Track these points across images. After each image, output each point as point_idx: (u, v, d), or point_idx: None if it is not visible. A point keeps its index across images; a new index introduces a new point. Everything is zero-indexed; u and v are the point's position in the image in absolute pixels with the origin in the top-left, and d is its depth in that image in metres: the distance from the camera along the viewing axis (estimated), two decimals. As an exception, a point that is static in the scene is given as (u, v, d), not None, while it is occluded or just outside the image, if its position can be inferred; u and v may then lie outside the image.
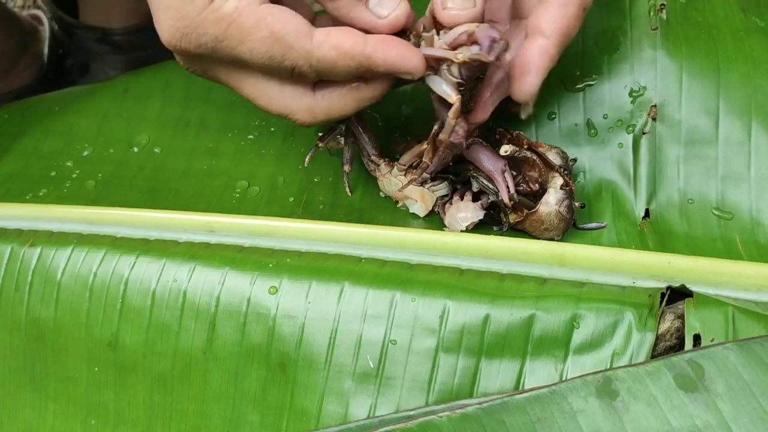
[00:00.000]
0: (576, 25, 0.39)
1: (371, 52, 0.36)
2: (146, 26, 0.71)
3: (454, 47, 0.37)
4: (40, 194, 0.48)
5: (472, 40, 0.37)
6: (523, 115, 0.41)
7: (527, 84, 0.37)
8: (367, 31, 0.37)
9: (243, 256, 0.42)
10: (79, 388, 0.43)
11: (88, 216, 0.45)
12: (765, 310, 0.36)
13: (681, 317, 0.35)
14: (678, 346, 0.35)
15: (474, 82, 0.39)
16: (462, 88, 0.38)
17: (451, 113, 0.38)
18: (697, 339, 0.34)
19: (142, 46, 0.72)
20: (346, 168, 0.46)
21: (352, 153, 0.46)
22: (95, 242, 0.43)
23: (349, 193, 0.46)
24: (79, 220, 0.45)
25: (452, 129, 0.38)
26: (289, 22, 0.36)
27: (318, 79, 0.38)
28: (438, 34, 0.38)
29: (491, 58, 0.36)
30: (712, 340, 0.33)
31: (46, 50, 0.79)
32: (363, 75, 0.37)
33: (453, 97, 0.37)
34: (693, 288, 0.38)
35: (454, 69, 0.37)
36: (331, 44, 0.36)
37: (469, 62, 0.37)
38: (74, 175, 0.49)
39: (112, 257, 0.43)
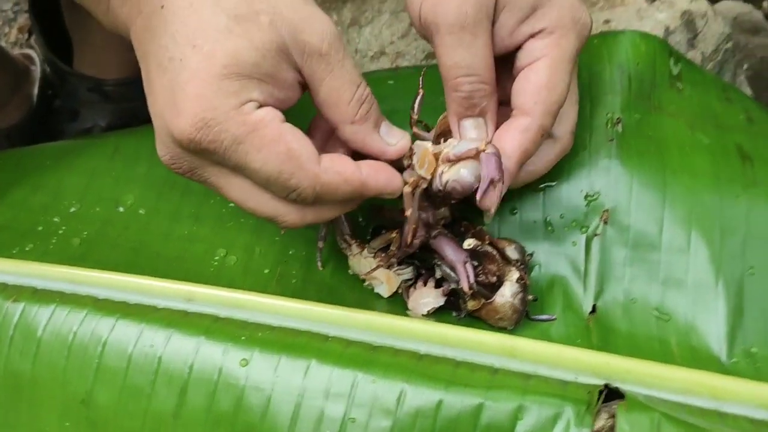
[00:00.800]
0: (534, 148, 0.43)
1: (365, 178, 0.40)
2: (137, 80, 0.74)
3: (458, 159, 0.42)
4: (27, 249, 0.50)
5: (477, 157, 0.41)
6: (486, 221, 0.45)
7: (489, 197, 0.41)
8: (373, 156, 0.42)
9: (218, 326, 0.44)
10: (48, 442, 0.45)
11: (72, 276, 0.47)
12: (690, 413, 0.40)
13: (614, 416, 0.39)
14: (609, 444, 0.39)
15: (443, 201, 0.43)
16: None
17: (407, 228, 0.42)
18: (626, 441, 0.38)
19: (131, 98, 0.74)
20: (320, 244, 0.49)
21: (327, 231, 0.49)
22: (77, 302, 0.46)
23: (320, 267, 0.49)
24: (63, 279, 0.47)
25: (409, 237, 0.43)
26: (304, 144, 0.39)
27: (314, 202, 0.40)
28: (441, 141, 0.44)
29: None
30: (640, 445, 0.37)
31: (36, 90, 0.81)
32: (352, 197, 0.41)
33: (408, 212, 0.42)
34: (628, 387, 0.41)
35: (436, 184, 0.42)
36: (336, 170, 0.40)
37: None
38: (60, 231, 0.52)
39: (93, 318, 0.45)
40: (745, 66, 0.79)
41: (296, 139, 0.39)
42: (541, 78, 0.42)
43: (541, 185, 0.50)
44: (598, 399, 0.40)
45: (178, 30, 0.38)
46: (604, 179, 0.49)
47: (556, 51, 0.42)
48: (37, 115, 0.80)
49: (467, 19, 0.41)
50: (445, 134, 0.45)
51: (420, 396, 0.41)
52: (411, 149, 0.43)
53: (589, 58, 0.53)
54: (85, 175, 0.55)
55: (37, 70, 0.83)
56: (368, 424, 0.41)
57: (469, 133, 0.43)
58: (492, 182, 0.41)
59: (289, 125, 0.39)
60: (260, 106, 0.39)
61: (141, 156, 0.56)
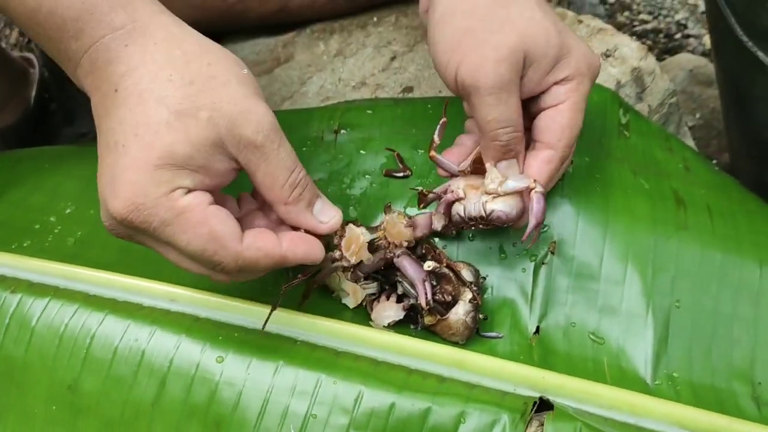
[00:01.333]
0: (557, 176, 0.50)
1: (285, 251, 0.44)
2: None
3: (506, 193, 0.49)
4: (24, 245, 0.54)
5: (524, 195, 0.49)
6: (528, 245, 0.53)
7: (531, 235, 0.48)
8: (308, 232, 0.46)
9: (198, 326, 0.49)
10: (36, 423, 0.49)
11: (66, 273, 0.52)
12: (613, 426, 0.46)
13: (543, 425, 0.44)
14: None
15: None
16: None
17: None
18: (551, 445, 0.43)
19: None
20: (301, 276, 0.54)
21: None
22: (70, 297, 0.50)
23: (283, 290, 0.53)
24: (57, 275, 0.52)
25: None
26: (228, 225, 0.43)
27: (238, 273, 0.44)
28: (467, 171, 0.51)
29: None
30: (562, 449, 0.42)
31: (33, 93, 0.85)
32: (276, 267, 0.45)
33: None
34: (560, 400, 0.47)
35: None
36: (257, 246, 0.43)
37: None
38: (56, 230, 0.56)
39: (84, 312, 0.50)
40: (698, 115, 0.85)
41: (220, 221, 0.42)
42: (564, 119, 0.49)
43: (498, 216, 0.55)
44: (532, 409, 0.45)
45: (125, 117, 0.42)
46: (554, 214, 0.55)
47: (575, 95, 0.49)
48: (33, 117, 0.84)
49: (503, 81, 0.46)
50: (475, 170, 0.51)
51: (375, 398, 0.46)
52: (342, 228, 0.49)
53: (549, 104, 0.58)
54: (81, 180, 0.60)
55: (35, 73, 0.87)
56: (328, 420, 0.46)
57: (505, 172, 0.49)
58: (538, 224, 0.47)
59: (215, 207, 0.43)
60: (190, 191, 0.42)
61: (134, 165, 0.61)
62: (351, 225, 0.50)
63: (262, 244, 0.44)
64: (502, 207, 0.48)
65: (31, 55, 0.90)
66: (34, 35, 0.45)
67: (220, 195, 0.46)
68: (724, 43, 0.60)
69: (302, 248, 0.45)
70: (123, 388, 0.48)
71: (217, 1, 0.73)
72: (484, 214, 0.49)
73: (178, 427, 0.47)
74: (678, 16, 0.96)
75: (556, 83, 0.49)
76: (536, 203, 0.48)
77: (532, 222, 0.48)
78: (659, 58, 0.94)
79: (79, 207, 0.58)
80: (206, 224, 0.42)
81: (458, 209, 0.50)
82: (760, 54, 0.53)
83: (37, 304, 0.50)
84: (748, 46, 0.54)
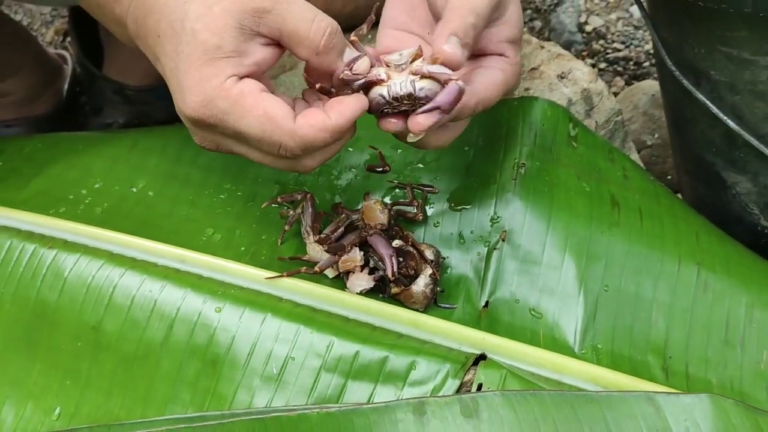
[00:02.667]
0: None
1: (335, 120, 0.48)
2: (154, 87, 0.89)
3: (430, 76, 0.49)
4: (60, 211, 0.65)
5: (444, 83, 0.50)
6: (410, 140, 0.52)
7: (426, 117, 0.50)
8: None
9: (201, 282, 0.59)
10: (62, 356, 0.59)
11: (94, 234, 0.62)
12: (538, 379, 0.55)
13: (476, 372, 0.54)
14: (470, 391, 0.54)
15: None
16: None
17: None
18: (480, 387, 0.53)
19: (147, 102, 0.90)
20: (286, 227, 0.64)
21: (293, 220, 0.64)
22: (97, 254, 0.61)
23: (280, 243, 0.63)
24: (87, 236, 0.62)
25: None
26: (279, 107, 0.48)
27: (303, 154, 0.49)
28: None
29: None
30: (488, 389, 0.52)
31: (65, 86, 0.96)
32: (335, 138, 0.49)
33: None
34: (496, 357, 0.56)
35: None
36: (309, 123, 0.48)
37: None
38: (87, 201, 0.66)
39: (108, 267, 0.60)
40: (656, 135, 0.95)
41: (272, 104, 0.47)
42: (496, 78, 0.55)
43: (459, 207, 0.65)
44: (471, 362, 0.55)
45: (170, 49, 0.49)
46: (506, 208, 0.64)
47: (507, 73, 0.55)
48: (65, 108, 0.94)
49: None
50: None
51: (344, 347, 0.56)
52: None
53: (509, 115, 0.68)
54: (108, 160, 0.70)
55: (68, 69, 0.98)
56: (304, 363, 0.56)
57: (454, 47, 0.50)
58: (440, 109, 0.48)
59: (267, 93, 0.48)
60: (240, 78, 0.48)
61: (153, 151, 0.71)
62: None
63: (314, 121, 0.48)
64: (429, 86, 0.49)
65: (65, 53, 1.01)
66: (92, 8, 0.54)
67: (276, 94, 0.50)
68: (662, 73, 0.70)
69: (348, 108, 0.49)
70: (138, 330, 0.58)
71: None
72: (413, 91, 0.49)
73: (182, 363, 0.57)
74: (647, 47, 1.06)
75: (499, 54, 0.55)
76: (448, 91, 0.48)
77: (432, 104, 0.48)
78: (628, 83, 1.04)
79: (107, 183, 0.68)
80: (260, 106, 0.47)
81: (381, 92, 0.50)
82: (686, 82, 0.63)
83: (69, 258, 0.60)
84: (677, 75, 0.64)
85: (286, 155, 0.49)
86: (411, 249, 0.61)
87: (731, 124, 0.62)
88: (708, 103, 0.63)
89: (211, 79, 0.48)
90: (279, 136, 0.48)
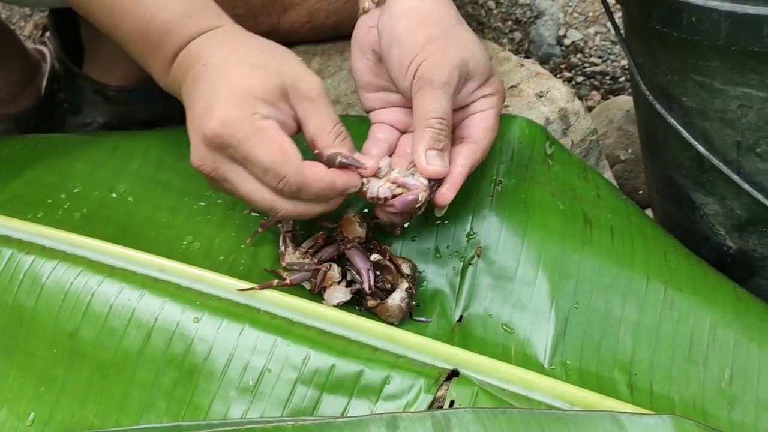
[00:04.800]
0: (477, 164, 0.62)
1: (334, 177, 0.56)
2: (136, 88, 0.89)
3: (404, 186, 0.59)
4: (39, 216, 0.65)
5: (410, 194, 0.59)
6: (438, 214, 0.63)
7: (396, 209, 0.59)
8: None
9: (180, 292, 0.60)
10: (38, 362, 0.59)
11: (73, 241, 0.62)
12: (508, 395, 0.57)
13: (449, 388, 0.55)
14: (442, 406, 0.55)
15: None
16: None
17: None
18: (452, 403, 0.54)
19: (128, 104, 0.89)
20: (260, 229, 0.64)
21: (270, 224, 0.64)
22: (75, 261, 0.61)
23: (248, 241, 0.64)
24: (66, 242, 0.62)
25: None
26: (293, 147, 0.55)
27: (297, 194, 0.55)
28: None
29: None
30: (460, 405, 0.53)
31: (44, 83, 0.95)
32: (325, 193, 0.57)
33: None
34: (468, 373, 0.58)
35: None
36: (313, 171, 0.55)
37: None
38: (65, 206, 0.66)
39: (86, 274, 0.60)
40: (630, 150, 0.97)
41: (289, 143, 0.55)
42: (490, 122, 0.62)
43: (437, 222, 0.67)
44: (444, 377, 0.57)
45: (213, 76, 0.56)
46: (482, 224, 0.66)
47: (498, 107, 0.62)
48: (43, 105, 0.94)
49: (453, 81, 0.58)
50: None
51: (320, 359, 0.57)
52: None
53: (487, 132, 0.70)
54: (88, 164, 0.70)
55: (47, 66, 0.97)
56: (280, 375, 0.57)
57: (435, 160, 0.58)
58: (397, 209, 0.59)
59: (285, 134, 0.55)
60: (266, 118, 0.54)
61: (134, 155, 0.71)
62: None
63: (318, 169, 0.56)
64: (401, 196, 0.59)
65: (44, 48, 1.00)
66: (133, 47, 0.60)
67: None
68: (636, 94, 0.72)
69: (345, 177, 0.57)
70: (115, 338, 0.58)
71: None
72: (389, 196, 0.59)
73: (158, 372, 0.57)
74: (623, 62, 1.08)
75: (483, 96, 0.61)
76: (405, 197, 0.58)
77: (391, 207, 0.59)
78: (604, 98, 1.06)
79: (86, 187, 0.68)
80: (278, 141, 0.54)
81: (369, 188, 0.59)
82: (659, 107, 0.65)
83: (47, 264, 0.60)
84: (650, 99, 0.66)
85: (283, 189, 0.55)
86: (388, 263, 0.63)
87: (701, 149, 0.64)
88: (679, 127, 0.65)
89: (244, 109, 0.54)
90: (286, 169, 0.54)
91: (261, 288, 0.60)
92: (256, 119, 0.54)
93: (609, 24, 1.11)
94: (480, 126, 0.61)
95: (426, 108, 0.58)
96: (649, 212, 0.91)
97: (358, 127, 0.74)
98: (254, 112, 0.54)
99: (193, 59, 0.58)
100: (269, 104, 0.55)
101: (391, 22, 0.60)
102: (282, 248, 0.64)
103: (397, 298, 0.62)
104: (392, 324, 0.62)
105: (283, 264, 0.63)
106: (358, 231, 0.64)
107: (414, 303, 0.63)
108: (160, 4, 0.58)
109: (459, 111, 0.62)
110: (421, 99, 0.59)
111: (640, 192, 0.98)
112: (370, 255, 0.63)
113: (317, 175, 0.55)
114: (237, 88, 0.54)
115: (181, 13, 0.58)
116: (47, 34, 1.13)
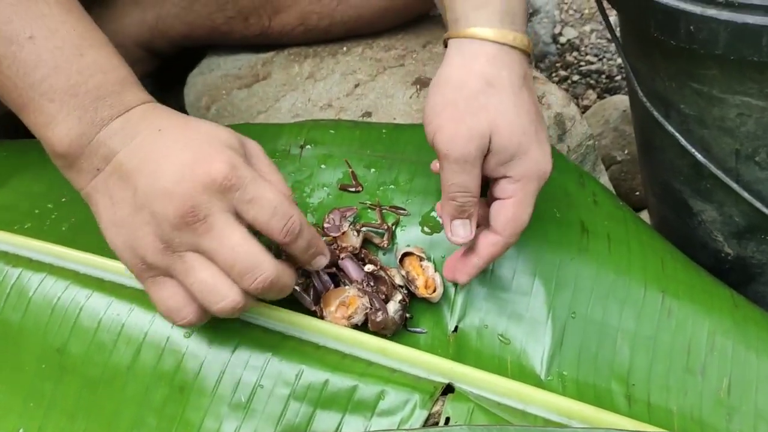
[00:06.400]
0: (498, 256, 0.59)
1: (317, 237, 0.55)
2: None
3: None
4: (26, 227, 0.63)
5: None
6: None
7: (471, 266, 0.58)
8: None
9: (170, 306, 0.58)
10: (25, 377, 0.58)
11: (60, 253, 0.61)
12: (504, 410, 0.56)
13: (444, 403, 0.54)
14: (438, 422, 0.54)
15: None
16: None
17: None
18: (447, 420, 0.53)
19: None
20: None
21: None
22: (63, 274, 0.60)
23: None
24: (53, 254, 0.61)
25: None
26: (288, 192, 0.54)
27: (297, 237, 0.53)
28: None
29: None
30: (456, 422, 0.53)
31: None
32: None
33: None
34: (464, 387, 0.57)
35: None
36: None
37: None
38: (53, 216, 0.65)
39: (74, 288, 0.59)
40: (626, 151, 0.96)
41: (285, 186, 0.54)
42: (509, 213, 0.57)
43: (430, 231, 0.66)
44: (440, 392, 0.56)
45: (182, 132, 0.52)
46: (477, 233, 0.65)
47: (521, 194, 0.57)
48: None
49: (469, 156, 0.54)
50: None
51: (313, 375, 0.56)
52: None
53: (483, 138, 0.68)
54: (76, 173, 0.69)
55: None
56: (273, 391, 0.56)
57: (458, 230, 0.57)
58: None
59: None
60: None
61: (123, 163, 0.70)
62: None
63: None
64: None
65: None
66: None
67: None
68: (633, 100, 0.71)
69: (321, 246, 0.56)
70: (104, 353, 0.57)
71: (205, 21, 0.83)
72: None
73: (149, 388, 0.56)
74: (619, 61, 1.07)
75: (505, 177, 0.56)
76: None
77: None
78: (600, 96, 1.05)
79: (74, 197, 0.67)
80: (275, 184, 0.52)
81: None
82: (656, 113, 0.64)
83: (34, 278, 0.59)
84: (647, 106, 0.64)
85: (290, 228, 0.52)
86: (382, 274, 0.62)
87: (699, 156, 0.63)
88: (677, 134, 0.64)
89: (237, 155, 0.51)
90: (291, 212, 0.52)
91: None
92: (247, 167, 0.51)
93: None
94: (500, 215, 0.57)
95: (447, 180, 0.56)
96: (645, 214, 0.90)
97: (350, 132, 0.73)
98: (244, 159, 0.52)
99: (141, 126, 0.52)
100: (243, 156, 0.53)
101: (444, 62, 0.57)
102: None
103: (390, 310, 0.61)
104: (385, 335, 0.61)
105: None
106: (353, 240, 0.63)
107: (407, 315, 0.62)
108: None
109: (492, 182, 0.58)
110: (442, 170, 0.56)
111: (637, 193, 0.97)
112: (365, 266, 0.62)
113: (309, 226, 0.54)
114: (216, 138, 0.51)
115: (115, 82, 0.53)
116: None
